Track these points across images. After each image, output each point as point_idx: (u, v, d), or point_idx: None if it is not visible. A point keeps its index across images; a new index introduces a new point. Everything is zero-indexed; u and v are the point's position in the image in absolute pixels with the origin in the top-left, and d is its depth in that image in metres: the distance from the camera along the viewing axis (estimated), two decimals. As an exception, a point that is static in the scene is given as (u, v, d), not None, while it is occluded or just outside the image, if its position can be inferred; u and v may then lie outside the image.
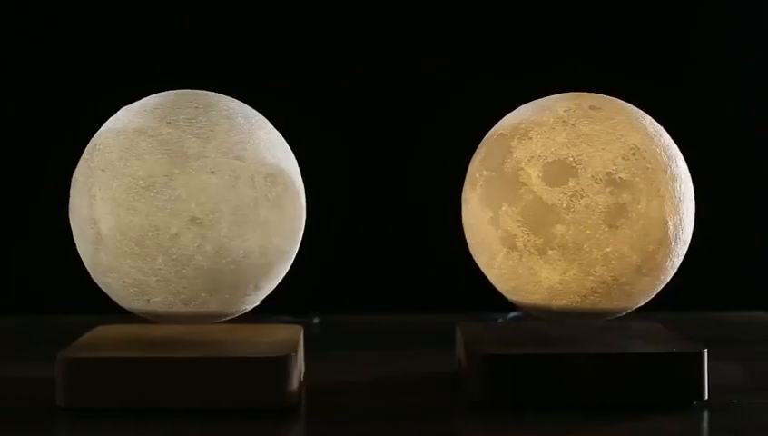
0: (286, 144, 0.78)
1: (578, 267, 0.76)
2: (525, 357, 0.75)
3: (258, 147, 0.75)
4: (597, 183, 0.75)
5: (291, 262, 0.78)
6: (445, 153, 0.95)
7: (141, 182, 0.72)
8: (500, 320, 1.04)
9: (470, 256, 0.81)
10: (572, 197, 0.75)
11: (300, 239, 0.79)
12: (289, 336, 0.81)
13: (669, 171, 0.76)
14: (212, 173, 0.72)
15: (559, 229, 0.75)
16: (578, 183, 0.75)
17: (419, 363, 0.90)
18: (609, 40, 1.14)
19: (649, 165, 0.76)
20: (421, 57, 1.13)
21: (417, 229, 1.13)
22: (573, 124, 0.77)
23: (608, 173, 0.75)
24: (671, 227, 0.76)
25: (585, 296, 0.77)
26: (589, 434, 0.71)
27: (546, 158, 0.76)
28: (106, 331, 0.83)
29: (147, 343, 0.78)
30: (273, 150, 0.76)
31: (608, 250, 0.75)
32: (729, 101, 1.14)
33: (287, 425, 0.73)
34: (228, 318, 0.78)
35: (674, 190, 0.76)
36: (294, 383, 0.75)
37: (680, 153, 0.78)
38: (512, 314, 1.05)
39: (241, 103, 0.78)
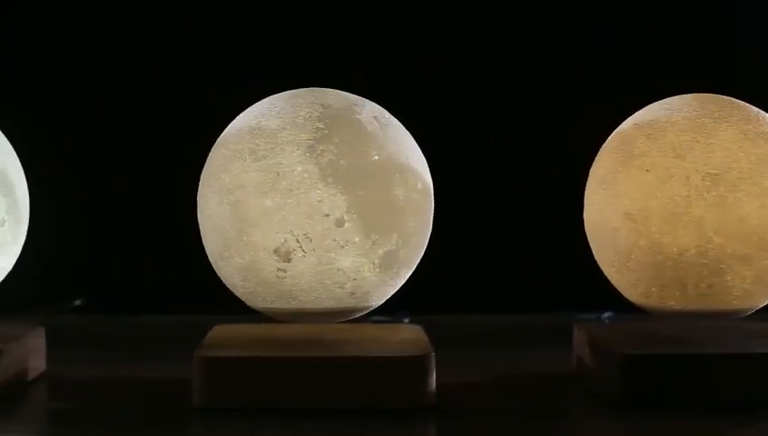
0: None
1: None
2: (664, 357, 0.75)
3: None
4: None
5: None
6: (566, 153, 0.95)
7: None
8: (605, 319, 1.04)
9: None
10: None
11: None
12: (415, 336, 0.80)
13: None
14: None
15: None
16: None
17: (533, 363, 0.90)
18: None
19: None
20: (550, 61, 1.13)
21: (524, 230, 1.13)
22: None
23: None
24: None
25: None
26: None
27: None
28: (229, 331, 0.82)
29: (277, 342, 0.77)
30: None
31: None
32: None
33: (425, 425, 0.73)
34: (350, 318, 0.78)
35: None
36: (433, 383, 0.74)
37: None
38: (606, 314, 1.05)
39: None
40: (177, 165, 0.93)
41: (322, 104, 0.75)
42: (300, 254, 0.73)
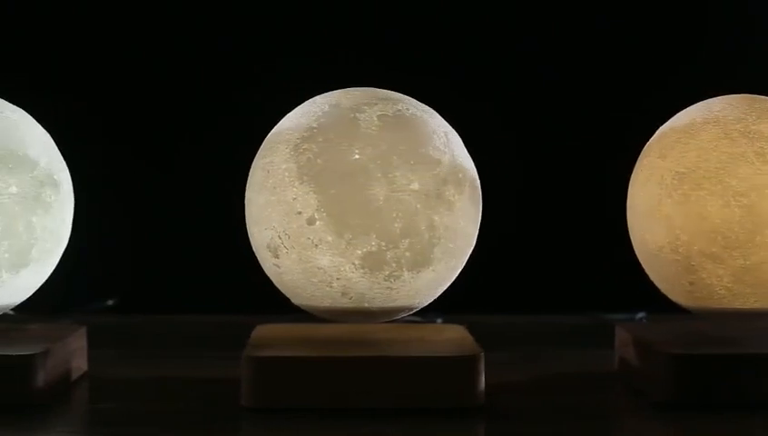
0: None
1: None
2: (711, 357, 0.75)
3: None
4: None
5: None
6: (610, 153, 0.95)
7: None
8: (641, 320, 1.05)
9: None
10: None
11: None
12: (461, 335, 0.80)
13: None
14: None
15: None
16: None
17: (571, 362, 0.90)
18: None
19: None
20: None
21: (564, 231, 1.13)
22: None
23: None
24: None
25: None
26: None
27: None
28: (272, 331, 0.82)
29: (323, 343, 0.77)
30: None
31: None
32: None
33: (474, 425, 0.72)
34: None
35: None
36: (482, 382, 0.74)
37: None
38: (639, 315, 1.05)
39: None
40: (218, 164, 0.94)
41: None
42: None
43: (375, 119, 0.74)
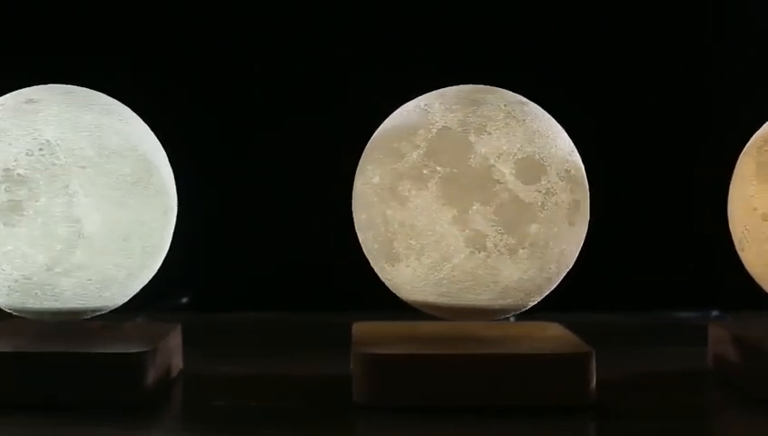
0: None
1: None
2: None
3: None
4: None
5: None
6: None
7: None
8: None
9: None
10: None
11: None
12: (562, 333, 0.81)
13: None
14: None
15: None
16: None
17: (661, 360, 0.90)
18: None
19: None
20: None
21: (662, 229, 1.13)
22: None
23: None
24: None
25: None
26: None
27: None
28: (374, 328, 0.81)
29: (431, 340, 0.77)
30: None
31: None
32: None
33: (586, 423, 0.73)
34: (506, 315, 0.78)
35: None
36: (594, 380, 0.74)
37: None
38: (714, 313, 1.06)
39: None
40: (314, 161, 0.93)
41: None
42: None
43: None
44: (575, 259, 0.77)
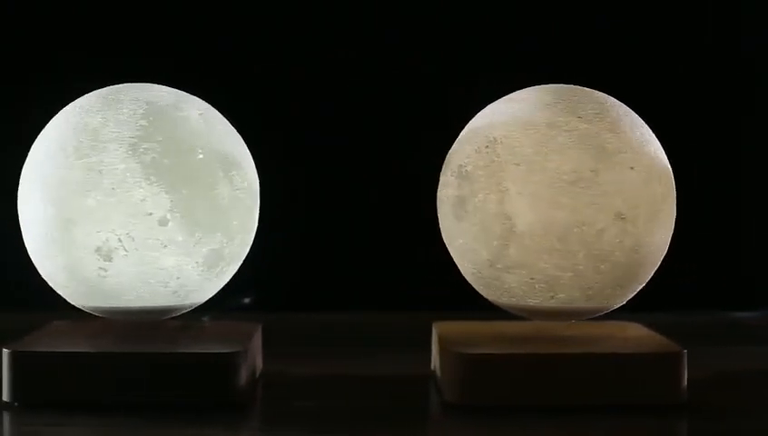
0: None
1: None
2: None
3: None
4: None
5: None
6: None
7: (565, 177, 0.71)
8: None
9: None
10: None
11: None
12: (646, 332, 0.81)
13: None
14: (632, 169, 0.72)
15: None
16: None
17: (739, 359, 0.91)
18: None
19: None
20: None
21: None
22: None
23: None
24: None
25: None
26: None
27: None
28: (457, 328, 0.81)
29: (515, 339, 0.77)
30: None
31: None
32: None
33: (677, 422, 0.73)
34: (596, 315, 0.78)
35: None
36: (685, 379, 0.75)
37: None
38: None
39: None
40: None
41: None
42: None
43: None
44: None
